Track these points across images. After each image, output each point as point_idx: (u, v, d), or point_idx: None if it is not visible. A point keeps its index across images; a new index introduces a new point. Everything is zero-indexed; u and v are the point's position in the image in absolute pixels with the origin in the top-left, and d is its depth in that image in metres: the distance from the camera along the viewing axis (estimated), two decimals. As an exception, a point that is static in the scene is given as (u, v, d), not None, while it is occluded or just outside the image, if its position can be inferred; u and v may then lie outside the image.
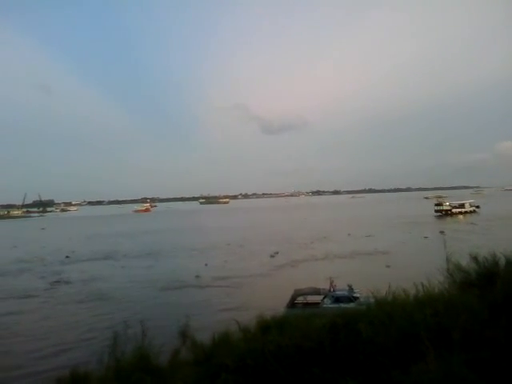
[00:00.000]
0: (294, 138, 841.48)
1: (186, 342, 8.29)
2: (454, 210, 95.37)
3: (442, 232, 55.57)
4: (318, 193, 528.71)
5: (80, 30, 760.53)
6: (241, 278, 34.38)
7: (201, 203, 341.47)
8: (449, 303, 6.12)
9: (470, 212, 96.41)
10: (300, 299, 22.50)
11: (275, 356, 5.63)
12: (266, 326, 7.70)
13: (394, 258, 40.36)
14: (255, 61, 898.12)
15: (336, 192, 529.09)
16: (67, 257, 52.46)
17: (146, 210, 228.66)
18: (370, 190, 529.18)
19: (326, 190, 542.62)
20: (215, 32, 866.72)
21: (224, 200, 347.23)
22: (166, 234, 78.91)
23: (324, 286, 23.70)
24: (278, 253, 47.07)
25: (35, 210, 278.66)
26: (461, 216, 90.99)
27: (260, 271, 36.93)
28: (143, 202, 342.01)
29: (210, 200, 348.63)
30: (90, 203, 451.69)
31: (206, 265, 41.64)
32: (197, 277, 35.15)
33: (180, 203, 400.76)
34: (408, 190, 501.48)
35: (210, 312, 23.73)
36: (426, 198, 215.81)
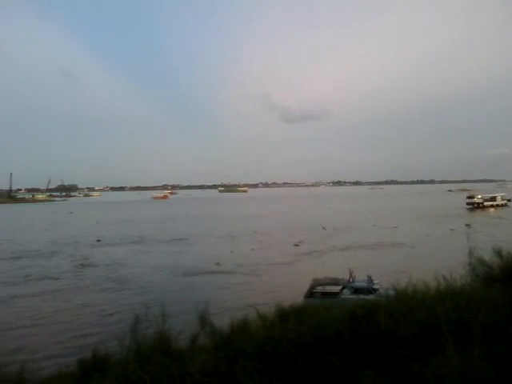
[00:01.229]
0: (316, 127, 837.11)
1: (204, 327, 8.40)
2: (485, 203, 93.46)
3: (467, 225, 54.60)
4: (338, 183, 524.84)
5: (103, 16, 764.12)
6: (262, 265, 34.57)
7: (220, 191, 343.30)
8: (470, 297, 6.04)
9: (502, 205, 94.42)
10: (318, 289, 22.52)
11: (293, 344, 5.66)
12: (285, 315, 7.74)
13: (417, 250, 40.00)
14: (278, 50, 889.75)
15: (357, 183, 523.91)
16: (98, 240, 53.75)
17: (165, 197, 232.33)
18: (392, 182, 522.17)
19: (347, 181, 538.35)
20: (238, 20, 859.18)
21: (243, 189, 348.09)
22: (190, 221, 79.76)
23: (344, 276, 23.61)
24: (302, 242, 47.03)
25: (58, 194, 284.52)
26: (492, 209, 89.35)
27: (282, 260, 37.06)
28: (164, 189, 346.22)
29: (229, 188, 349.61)
30: (113, 189, 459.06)
31: (231, 252, 41.84)
32: (217, 264, 35.43)
33: (199, 191, 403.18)
34: (431, 182, 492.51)
35: (228, 298, 23.97)
36: (450, 190, 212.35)
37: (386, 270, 25.31)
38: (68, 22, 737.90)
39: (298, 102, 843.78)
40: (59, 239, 55.16)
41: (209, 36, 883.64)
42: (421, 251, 39.29)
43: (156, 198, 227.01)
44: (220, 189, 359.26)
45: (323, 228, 60.00)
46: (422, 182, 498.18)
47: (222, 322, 8.56)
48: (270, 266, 34.17)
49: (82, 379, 6.80)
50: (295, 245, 45.60)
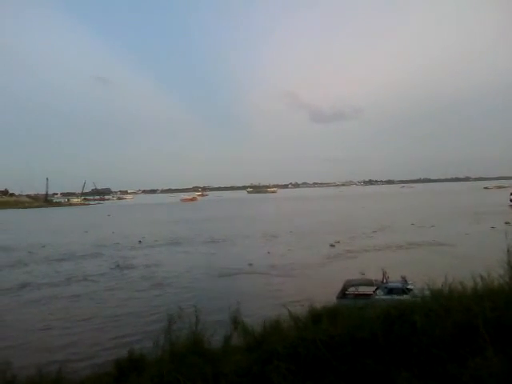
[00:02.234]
0: (346, 126, 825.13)
1: (237, 327, 8.47)
2: None
3: (507, 223, 52.78)
4: (370, 182, 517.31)
5: (135, 22, 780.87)
6: (297, 266, 34.23)
7: (248, 192, 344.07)
8: (509, 298, 5.85)
9: None
10: (351, 290, 22.27)
11: (327, 345, 5.63)
12: (318, 316, 7.72)
13: (455, 248, 38.92)
14: (306, 48, 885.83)
15: (389, 182, 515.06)
16: (140, 242, 54.70)
17: (193, 199, 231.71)
18: (426, 180, 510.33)
19: (378, 180, 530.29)
20: (267, 20, 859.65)
21: (272, 189, 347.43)
22: (225, 222, 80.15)
23: (380, 277, 23.19)
24: (339, 242, 46.51)
25: (92, 198, 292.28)
26: None
27: (317, 260, 36.64)
28: (195, 191, 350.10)
29: (258, 189, 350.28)
30: (145, 192, 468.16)
31: (268, 252, 41.82)
32: (250, 265, 35.43)
33: (228, 192, 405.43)
34: (466, 179, 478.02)
35: (261, 299, 23.96)
36: (486, 188, 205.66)
37: (422, 269, 24.62)
38: (102, 27, 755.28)
39: (328, 101, 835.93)
40: (100, 241, 56.59)
41: (238, 36, 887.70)
42: (459, 250, 38.15)
43: (184, 200, 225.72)
44: (249, 190, 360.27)
45: (358, 228, 59.26)
46: (456, 179, 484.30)
47: (254, 322, 8.62)
48: (304, 267, 33.84)
49: (119, 379, 6.99)
50: (331, 245, 45.00)
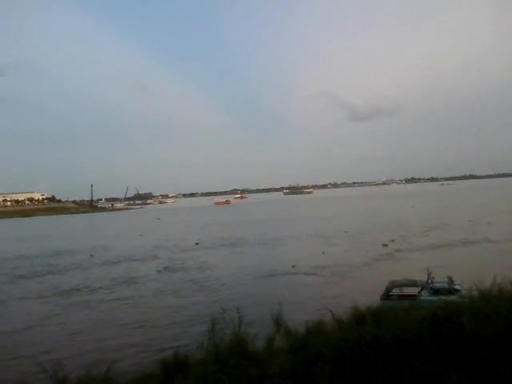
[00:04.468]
0: (386, 123, 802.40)
1: (279, 329, 8.49)
2: None
3: None
4: (412, 180, 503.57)
5: (171, 29, 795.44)
6: (347, 266, 33.60)
7: (285, 194, 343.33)
8: None
9: None
10: (395, 291, 21.82)
11: (372, 347, 5.56)
12: (361, 317, 7.63)
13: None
14: (344, 46, 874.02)
15: (433, 179, 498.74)
16: (197, 244, 55.51)
17: (226, 202, 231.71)
18: (471, 177, 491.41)
19: (421, 177, 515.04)
20: (301, 17, 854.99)
21: (308, 190, 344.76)
22: (273, 223, 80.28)
23: (431, 277, 22.51)
24: (393, 241, 45.57)
25: (134, 202, 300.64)
26: None
27: (366, 260, 35.98)
28: (233, 194, 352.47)
29: (294, 190, 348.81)
30: (185, 195, 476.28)
31: (323, 253, 41.47)
32: (297, 266, 35.08)
33: (265, 194, 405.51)
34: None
35: (304, 300, 23.80)
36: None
37: (473, 269, 23.74)
38: (140, 35, 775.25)
39: (366, 99, 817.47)
40: (158, 244, 58.05)
41: (273, 36, 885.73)
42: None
43: (218, 203, 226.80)
44: (285, 191, 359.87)
45: (411, 226, 57.83)
46: (504, 175, 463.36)
47: (296, 324, 8.61)
48: (355, 267, 33.30)
49: (165, 380, 7.14)
50: (384, 244, 43.97)
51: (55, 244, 65.85)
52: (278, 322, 8.78)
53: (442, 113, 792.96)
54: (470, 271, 22.58)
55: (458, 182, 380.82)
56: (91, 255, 51.00)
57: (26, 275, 39.76)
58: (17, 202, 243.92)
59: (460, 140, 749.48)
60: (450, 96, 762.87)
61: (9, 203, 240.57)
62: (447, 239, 43.87)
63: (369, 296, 20.22)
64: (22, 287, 34.43)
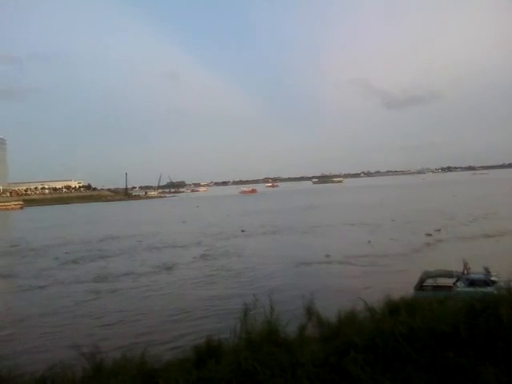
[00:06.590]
0: (421, 111, 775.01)
1: (311, 318, 8.51)
2: None
3: None
4: (448, 169, 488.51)
5: (204, 19, 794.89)
6: (388, 255, 33.19)
7: (314, 183, 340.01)
8: None
9: None
10: (429, 281, 21.43)
11: (406, 338, 5.51)
12: (395, 307, 7.56)
13: None
14: (378, 32, 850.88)
15: (470, 168, 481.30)
16: (242, 231, 55.90)
17: (252, 191, 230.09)
18: (510, 165, 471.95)
19: (457, 166, 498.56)
20: (335, 3, 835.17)
21: (338, 179, 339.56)
22: (311, 211, 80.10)
23: (467, 268, 21.92)
24: (438, 230, 44.57)
25: (167, 190, 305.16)
26: None
27: (408, 249, 35.38)
28: (265, 182, 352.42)
29: (324, 180, 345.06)
30: (217, 184, 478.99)
31: (368, 242, 41.01)
32: (327, 256, 34.79)
33: (296, 183, 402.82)
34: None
35: (336, 289, 23.61)
36: None
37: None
38: (171, 22, 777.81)
39: (401, 86, 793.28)
40: (202, 231, 58.97)
41: (306, 23, 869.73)
42: None
43: (243, 192, 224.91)
44: (314, 180, 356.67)
45: (456, 215, 56.30)
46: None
47: (328, 313, 8.60)
48: (391, 258, 32.80)
49: (198, 365, 7.29)
50: (427, 234, 42.89)
51: (102, 230, 67.87)
52: (309, 311, 8.81)
53: (478, 100, 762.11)
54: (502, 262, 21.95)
55: (493, 171, 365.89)
56: (139, 241, 52.22)
57: (77, 260, 41.15)
58: (55, 189, 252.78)
59: (499, 128, 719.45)
60: (487, 83, 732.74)
61: (47, 191, 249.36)
62: (494, 229, 42.21)
63: (403, 286, 19.99)
64: (73, 272, 35.53)
